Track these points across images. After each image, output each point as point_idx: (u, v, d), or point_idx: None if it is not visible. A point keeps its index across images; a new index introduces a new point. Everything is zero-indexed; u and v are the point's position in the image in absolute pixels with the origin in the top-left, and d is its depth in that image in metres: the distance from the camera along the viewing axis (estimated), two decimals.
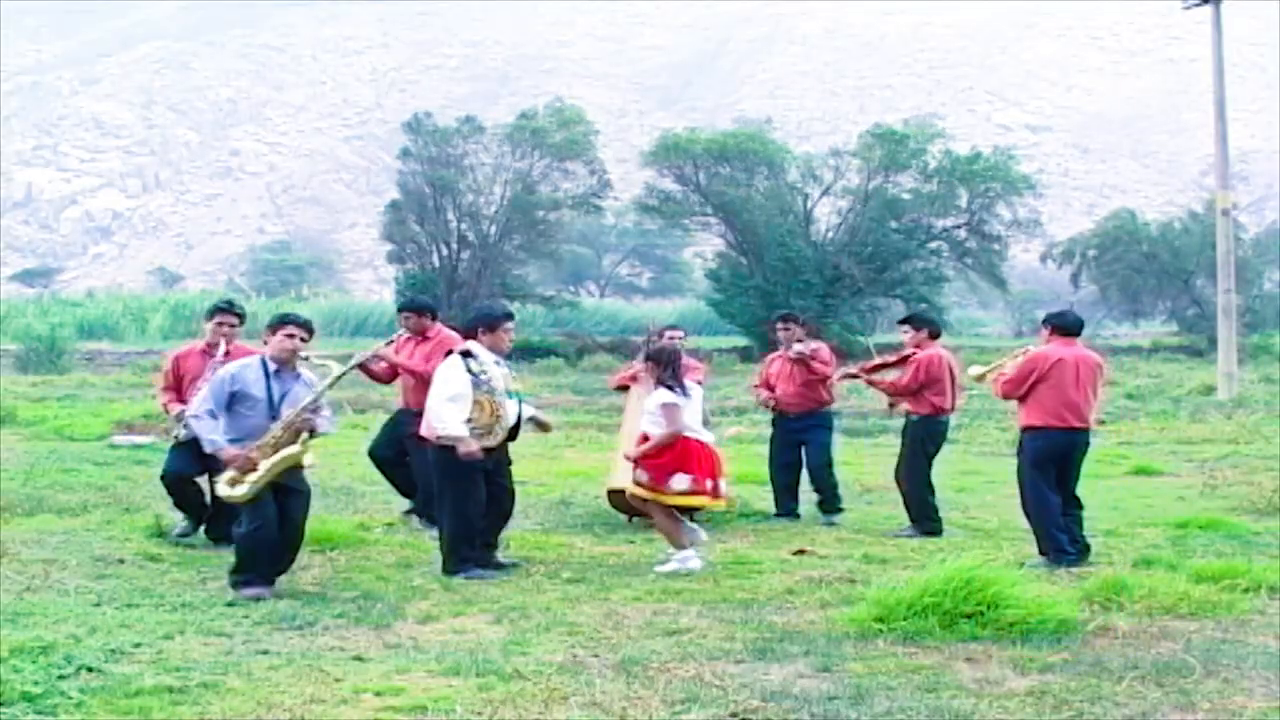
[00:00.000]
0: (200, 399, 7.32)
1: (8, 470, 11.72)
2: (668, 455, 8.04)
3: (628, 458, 8.35)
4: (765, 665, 5.51)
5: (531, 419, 8.27)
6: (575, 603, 6.88)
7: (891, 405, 10.26)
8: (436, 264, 38.51)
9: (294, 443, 7.09)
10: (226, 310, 8.74)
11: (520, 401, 8.08)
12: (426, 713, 4.78)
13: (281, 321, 7.46)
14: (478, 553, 7.77)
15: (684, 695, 4.97)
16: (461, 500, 7.72)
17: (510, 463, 8.16)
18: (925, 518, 9.51)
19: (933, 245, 39.18)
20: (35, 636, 5.59)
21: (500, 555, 8.02)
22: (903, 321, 10.23)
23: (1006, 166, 38.23)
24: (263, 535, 7.00)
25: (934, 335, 9.83)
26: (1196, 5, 26.33)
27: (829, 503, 10.18)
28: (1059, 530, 8.16)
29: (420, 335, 9.70)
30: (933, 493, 9.65)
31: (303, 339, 7.39)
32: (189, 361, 8.60)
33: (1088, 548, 8.28)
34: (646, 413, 8.22)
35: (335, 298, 61.55)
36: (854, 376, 10.25)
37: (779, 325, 10.49)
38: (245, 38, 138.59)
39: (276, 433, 7.09)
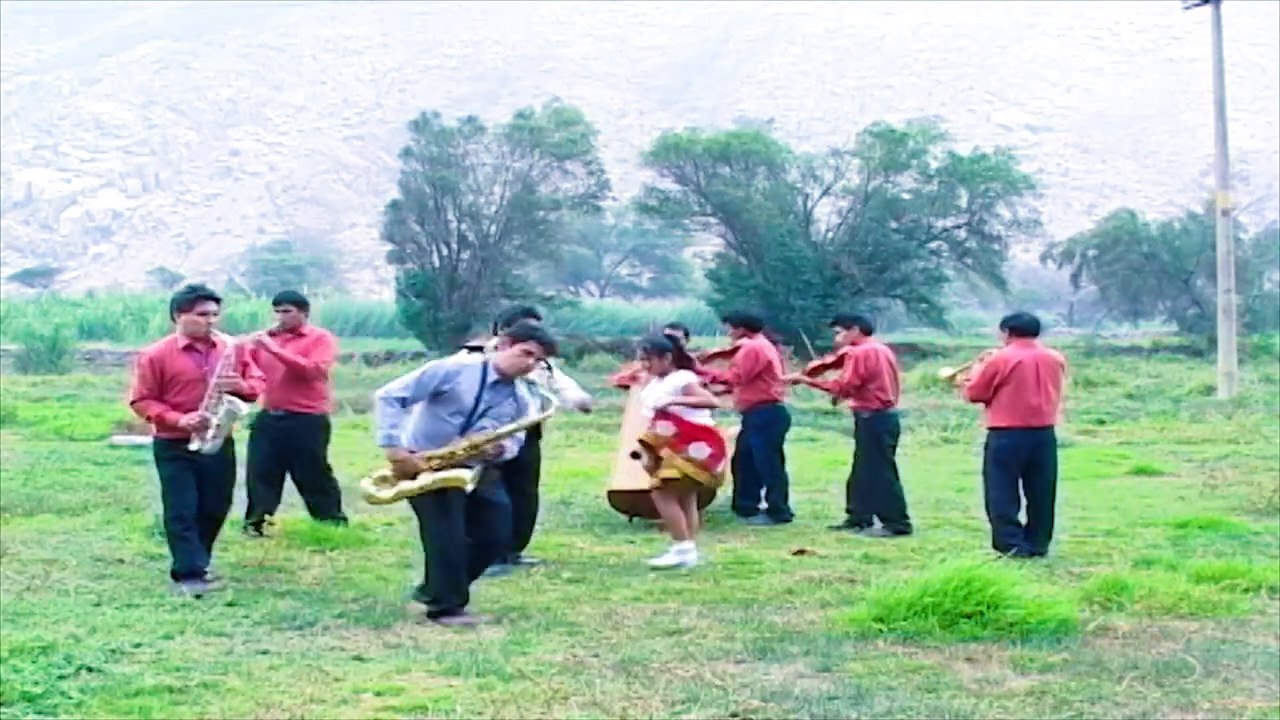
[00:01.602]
0: (400, 383, 6.55)
1: (8, 470, 11.72)
2: (691, 426, 8.20)
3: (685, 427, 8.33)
4: (765, 665, 5.51)
5: (579, 404, 8.67)
6: (575, 603, 6.88)
7: (835, 402, 10.48)
8: (436, 264, 38.52)
9: (467, 466, 6.46)
10: (208, 298, 7.50)
11: (543, 401, 8.13)
12: (426, 713, 4.78)
13: (528, 336, 6.78)
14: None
15: (684, 695, 4.97)
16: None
17: (539, 460, 8.34)
18: (897, 515, 9.48)
19: (933, 245, 39.17)
20: (35, 636, 5.59)
21: (524, 555, 8.12)
22: (833, 322, 10.44)
23: (1007, 166, 38.22)
24: (452, 556, 6.47)
25: (866, 332, 9.96)
26: (1196, 5, 26.32)
27: (739, 499, 10.04)
28: (1013, 528, 8.48)
29: (294, 331, 9.00)
30: (900, 488, 9.62)
31: (539, 358, 6.93)
32: (174, 362, 7.32)
33: (1035, 552, 8.40)
34: (664, 394, 8.23)
35: (335, 298, 61.53)
36: (797, 381, 10.36)
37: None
38: (245, 38, 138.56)
39: (461, 448, 6.50)
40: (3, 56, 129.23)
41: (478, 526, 6.57)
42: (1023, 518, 8.63)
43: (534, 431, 8.17)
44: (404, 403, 6.51)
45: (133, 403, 7.45)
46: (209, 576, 7.23)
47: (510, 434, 6.63)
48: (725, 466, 8.62)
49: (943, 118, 41.60)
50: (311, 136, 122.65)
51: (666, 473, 8.16)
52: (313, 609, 6.55)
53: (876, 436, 9.63)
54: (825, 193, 39.17)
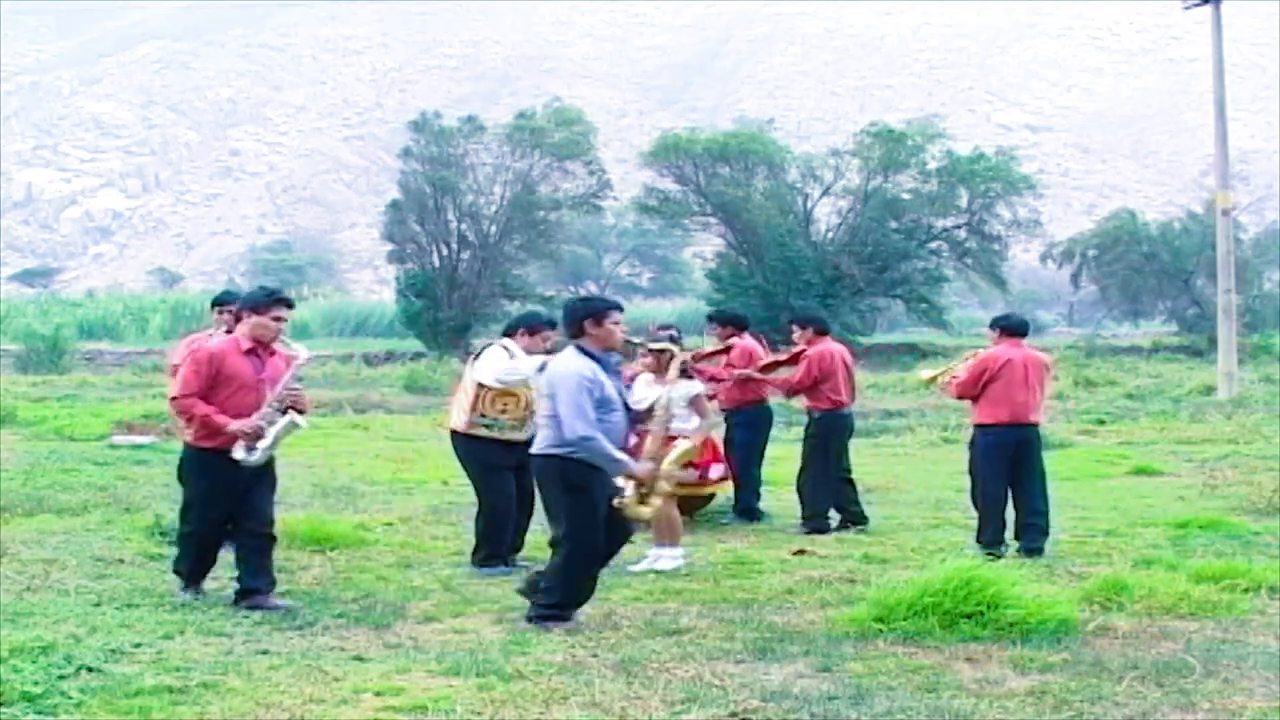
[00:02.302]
0: (574, 415, 6.15)
1: (8, 470, 11.72)
2: (703, 447, 8.21)
3: (695, 466, 8.31)
4: (765, 665, 5.51)
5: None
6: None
7: (788, 396, 10.52)
8: (437, 264, 38.54)
9: (662, 450, 6.38)
10: (284, 301, 6.88)
11: None
12: (426, 713, 4.78)
13: (606, 307, 6.57)
14: (505, 551, 7.95)
15: (684, 695, 4.96)
16: (498, 496, 7.85)
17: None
18: (816, 515, 9.50)
19: (933, 245, 39.20)
20: (35, 636, 5.58)
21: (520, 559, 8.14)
22: (791, 322, 10.54)
23: (1007, 166, 38.24)
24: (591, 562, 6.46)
25: (821, 332, 10.00)
26: (1196, 5, 26.33)
27: (738, 500, 9.96)
28: (999, 525, 8.63)
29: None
30: (834, 491, 9.64)
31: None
32: (233, 363, 6.68)
33: (1032, 550, 8.54)
34: (669, 406, 8.24)
35: (335, 298, 61.57)
36: (750, 378, 10.35)
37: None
38: (245, 38, 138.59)
39: (657, 440, 6.44)
40: (3, 56, 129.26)
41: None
42: (1008, 515, 8.77)
43: None
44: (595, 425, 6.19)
45: (176, 399, 6.77)
46: (277, 602, 6.63)
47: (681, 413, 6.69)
48: (723, 471, 8.59)
49: (942, 117, 41.64)
50: (311, 136, 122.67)
51: (701, 493, 8.25)
52: (313, 609, 6.56)
53: (824, 437, 9.71)
54: (825, 193, 39.20)
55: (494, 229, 38.73)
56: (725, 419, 10.09)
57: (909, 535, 9.35)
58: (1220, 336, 25.31)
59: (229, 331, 7.60)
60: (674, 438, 6.84)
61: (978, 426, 8.79)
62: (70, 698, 4.84)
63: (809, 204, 39.34)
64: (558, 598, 6.28)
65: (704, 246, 45.06)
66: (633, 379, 9.69)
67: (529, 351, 8.02)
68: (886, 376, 26.94)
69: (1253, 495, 10.73)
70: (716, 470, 8.38)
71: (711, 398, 9.45)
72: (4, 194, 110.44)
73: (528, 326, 8.19)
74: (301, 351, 6.92)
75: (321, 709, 4.80)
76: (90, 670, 5.22)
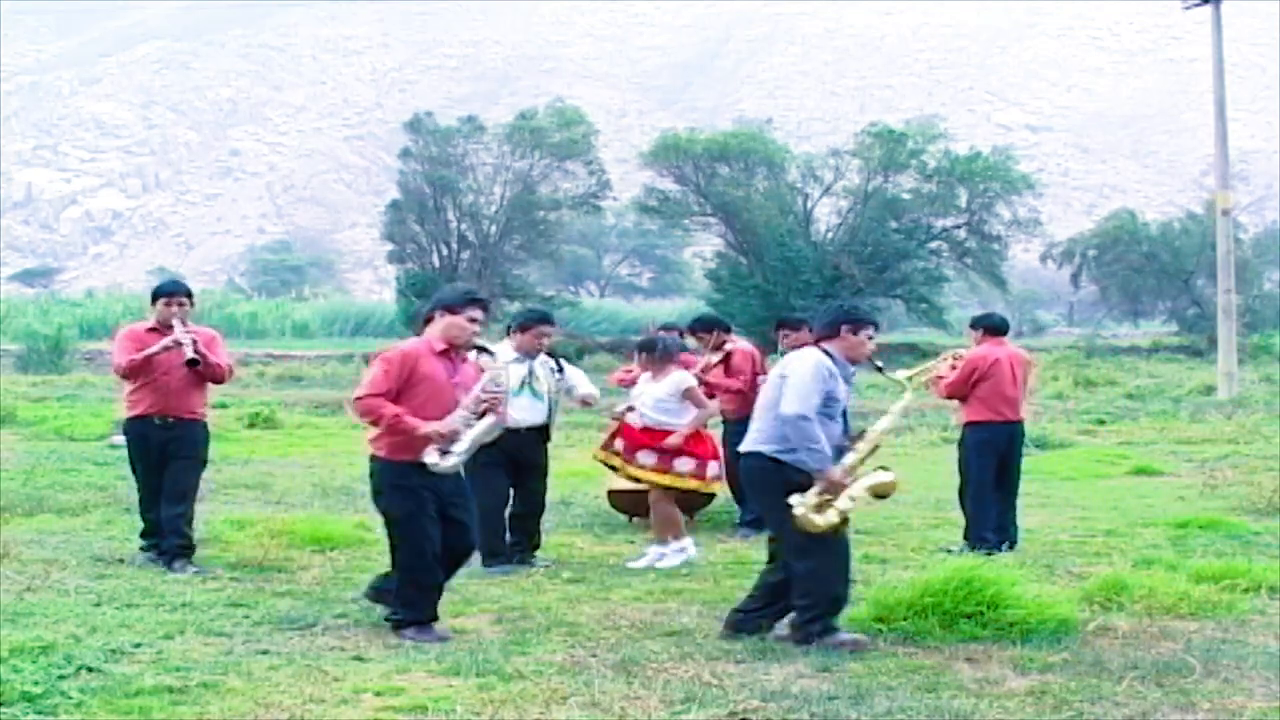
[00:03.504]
0: (800, 396, 5.84)
1: (8, 470, 11.72)
2: (671, 449, 8.17)
3: (665, 447, 8.25)
4: (765, 665, 5.51)
5: (584, 398, 8.59)
6: (575, 603, 6.87)
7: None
8: (437, 264, 38.57)
9: (863, 463, 5.99)
10: (480, 302, 6.62)
11: (551, 404, 8.23)
12: (426, 713, 4.78)
13: (863, 317, 6.24)
14: (505, 547, 7.93)
15: (684, 695, 4.96)
16: (485, 493, 7.71)
17: (544, 463, 8.30)
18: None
19: (933, 245, 39.22)
20: (35, 636, 5.58)
21: (538, 555, 8.16)
22: (778, 326, 10.32)
23: (1006, 166, 38.25)
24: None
25: (726, 333, 9.96)
26: (1196, 5, 26.34)
27: (746, 511, 9.44)
28: (987, 520, 8.72)
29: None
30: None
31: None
32: (427, 365, 6.31)
33: (1014, 541, 8.73)
34: (656, 400, 8.23)
35: (335, 298, 61.63)
36: (704, 382, 10.38)
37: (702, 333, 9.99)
38: (245, 38, 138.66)
39: (864, 447, 6.09)
40: (3, 56, 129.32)
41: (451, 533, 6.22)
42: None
43: (544, 432, 8.20)
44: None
45: (362, 398, 6.14)
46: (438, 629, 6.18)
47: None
48: (719, 470, 8.55)
49: (941, 117, 41.67)
50: (311, 136, 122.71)
51: (669, 485, 8.21)
52: (313, 609, 6.55)
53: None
54: (825, 193, 39.21)
55: (494, 229, 38.76)
56: (732, 429, 9.53)
57: (909, 535, 9.35)
58: (1220, 336, 25.31)
59: (162, 324, 7.62)
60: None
61: (969, 424, 8.91)
62: (70, 698, 4.83)
63: (809, 204, 39.35)
64: (818, 610, 5.86)
65: (704, 246, 45.09)
66: (633, 381, 9.70)
67: (522, 350, 8.02)
68: None
69: (1253, 495, 10.72)
70: (713, 468, 8.35)
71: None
72: (4, 194, 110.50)
73: (520, 324, 8.21)
74: (497, 354, 6.74)
75: (321, 709, 4.80)
76: (90, 670, 5.21)
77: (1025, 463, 9.49)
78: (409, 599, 6.08)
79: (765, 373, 9.99)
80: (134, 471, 7.94)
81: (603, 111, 78.77)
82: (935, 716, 4.76)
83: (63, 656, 5.32)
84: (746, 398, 9.59)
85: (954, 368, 9.01)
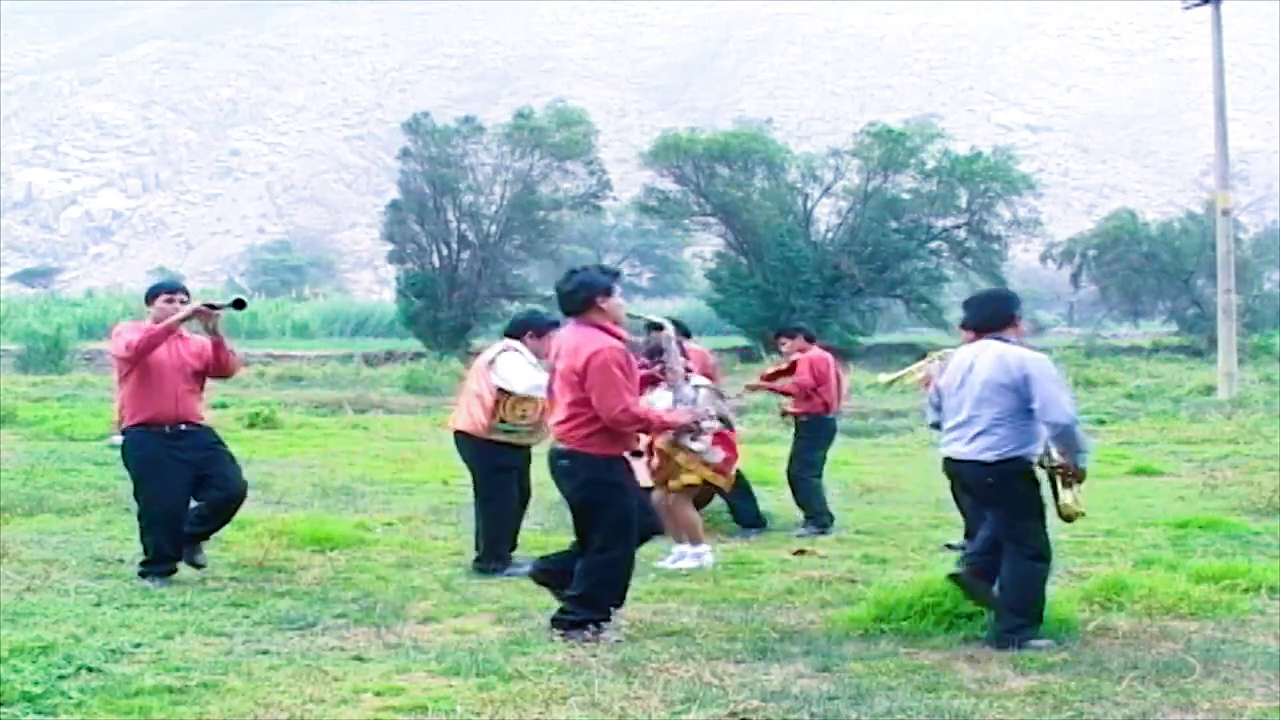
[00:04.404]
0: (1061, 393, 5.91)
1: (8, 470, 11.72)
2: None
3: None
4: (765, 665, 5.51)
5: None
6: None
7: (804, 396, 10.53)
8: (436, 264, 38.56)
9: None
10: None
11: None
12: (426, 713, 4.78)
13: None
14: (509, 552, 7.94)
15: (684, 695, 4.96)
16: (504, 499, 7.85)
17: (530, 460, 8.24)
18: (818, 514, 9.60)
19: (933, 245, 39.23)
20: (35, 636, 5.58)
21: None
22: (777, 335, 10.62)
23: (1006, 166, 38.26)
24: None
25: (809, 339, 10.08)
26: (1196, 5, 26.33)
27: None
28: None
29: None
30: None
31: None
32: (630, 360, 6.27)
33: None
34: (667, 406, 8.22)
35: (335, 298, 61.60)
36: (757, 388, 10.49)
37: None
38: (245, 38, 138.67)
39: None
40: (3, 56, 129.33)
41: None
42: None
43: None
44: None
45: (627, 410, 6.00)
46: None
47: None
48: (735, 468, 8.60)
49: (941, 117, 41.70)
50: (311, 136, 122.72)
51: (686, 479, 8.14)
52: (313, 609, 6.55)
53: (815, 440, 9.90)
54: (825, 193, 39.22)
55: (494, 229, 38.75)
56: (805, 428, 9.97)
57: (909, 535, 9.35)
58: (1220, 336, 25.30)
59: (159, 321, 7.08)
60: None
61: None
62: (70, 698, 4.83)
63: (809, 204, 39.36)
64: (1028, 615, 5.89)
65: (704, 246, 45.10)
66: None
67: (536, 354, 8.00)
68: None
69: (1253, 495, 10.72)
70: (715, 455, 8.36)
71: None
72: (4, 194, 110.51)
73: (535, 329, 8.05)
74: (667, 324, 6.86)
75: (321, 709, 4.80)
76: (90, 670, 5.21)
77: None
78: (596, 599, 6.03)
79: (826, 379, 9.85)
80: (137, 488, 7.23)
81: (603, 111, 78.76)
82: (935, 716, 4.76)
83: (63, 656, 5.32)
84: (810, 400, 9.85)
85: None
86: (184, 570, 7.36)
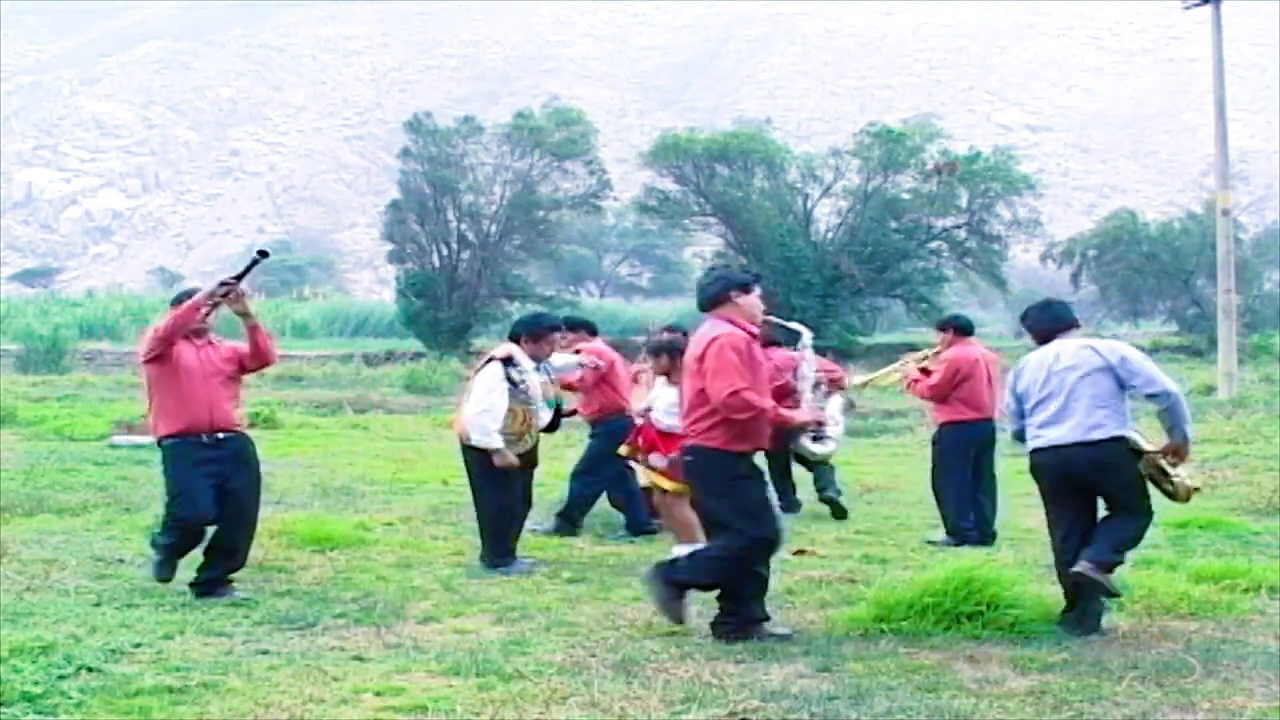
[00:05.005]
0: (1156, 369, 6.31)
1: (8, 470, 11.72)
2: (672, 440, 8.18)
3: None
4: (765, 665, 5.51)
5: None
6: (575, 603, 6.88)
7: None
8: (437, 264, 38.54)
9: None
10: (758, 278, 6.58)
11: (558, 406, 8.24)
12: (426, 713, 4.78)
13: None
14: (512, 549, 7.95)
15: (684, 695, 4.96)
16: (501, 495, 7.85)
17: (536, 464, 8.26)
18: (570, 520, 9.38)
19: (933, 245, 39.20)
20: (35, 636, 5.58)
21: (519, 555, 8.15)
22: (565, 324, 10.31)
23: (1006, 166, 38.24)
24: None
25: (592, 333, 9.91)
26: (1196, 5, 26.32)
27: (563, 513, 9.35)
28: (966, 513, 8.99)
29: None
30: (593, 501, 9.47)
31: None
32: (755, 352, 6.15)
33: (994, 534, 9.03)
34: (669, 404, 8.20)
35: (335, 298, 61.56)
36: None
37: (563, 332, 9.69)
38: (245, 38, 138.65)
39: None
40: (3, 56, 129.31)
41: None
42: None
43: (548, 430, 8.23)
44: None
45: (736, 393, 5.80)
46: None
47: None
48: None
49: (941, 117, 41.67)
50: (311, 136, 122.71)
51: (674, 486, 8.20)
52: (313, 609, 6.55)
53: (604, 439, 9.72)
54: (825, 193, 39.19)
55: (494, 229, 38.73)
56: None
57: (909, 535, 9.35)
58: (1220, 336, 25.29)
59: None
60: None
61: (947, 424, 9.11)
62: (70, 698, 4.84)
63: (809, 204, 39.33)
64: (1119, 553, 6.19)
65: (704, 246, 45.06)
66: (635, 379, 9.67)
67: (534, 358, 8.00)
68: None
69: (1253, 495, 10.73)
70: None
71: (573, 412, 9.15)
72: (4, 194, 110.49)
73: (530, 333, 8.07)
74: (804, 331, 6.71)
75: (321, 709, 4.80)
76: (90, 670, 5.21)
77: (1026, 463, 9.48)
78: (740, 591, 5.98)
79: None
80: (177, 500, 6.88)
81: (603, 111, 78.77)
82: (935, 716, 4.76)
83: (63, 656, 5.32)
84: (604, 400, 9.45)
85: (924, 369, 9.24)
86: (184, 570, 7.37)
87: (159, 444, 6.99)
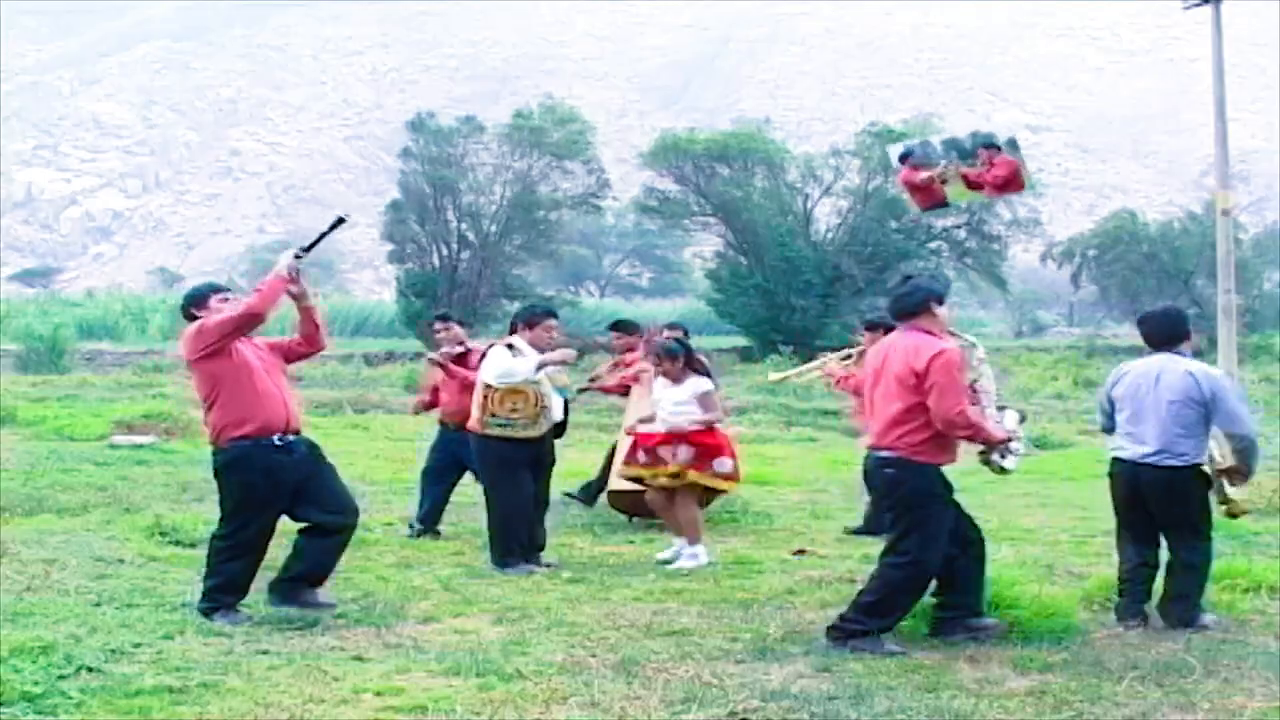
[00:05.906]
0: (1244, 408, 6.55)
1: (8, 470, 11.71)
2: (713, 437, 8.24)
3: (701, 443, 8.25)
4: (765, 665, 5.51)
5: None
6: (575, 603, 6.87)
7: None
8: (437, 264, 38.52)
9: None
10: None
11: (566, 400, 8.25)
12: (426, 713, 4.78)
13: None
14: (526, 548, 7.93)
15: (684, 695, 4.96)
16: (512, 495, 7.83)
17: (554, 463, 8.28)
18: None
19: (933, 245, 39.20)
20: (35, 636, 5.57)
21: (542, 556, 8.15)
22: (612, 328, 10.81)
23: None
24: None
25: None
26: (1196, 5, 26.25)
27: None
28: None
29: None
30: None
31: None
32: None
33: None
34: (675, 403, 8.21)
35: (335, 298, 61.53)
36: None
37: (437, 325, 9.84)
38: (245, 38, 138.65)
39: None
40: (3, 56, 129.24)
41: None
42: None
43: (559, 428, 8.24)
44: None
45: (963, 412, 5.84)
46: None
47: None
48: (731, 467, 8.62)
49: (941, 117, 41.63)
50: (311, 136, 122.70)
51: (704, 484, 8.27)
52: (313, 609, 6.54)
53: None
54: (825, 193, 39.18)
55: (494, 229, 38.71)
56: (457, 437, 8.94)
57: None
58: (1220, 336, 25.20)
59: None
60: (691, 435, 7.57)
61: None
62: (70, 698, 4.83)
63: (809, 204, 39.32)
64: (1197, 602, 6.41)
65: (704, 246, 45.07)
66: (635, 379, 9.67)
67: (536, 345, 8.03)
68: None
69: (1253, 495, 10.71)
70: (725, 464, 8.35)
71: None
72: (4, 194, 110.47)
73: (525, 320, 8.17)
74: (978, 344, 6.62)
75: (321, 709, 4.80)
76: (90, 670, 5.21)
77: (1026, 463, 9.48)
78: (888, 608, 5.89)
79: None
80: (234, 511, 6.39)
81: (603, 111, 78.81)
82: (935, 716, 4.76)
83: (63, 656, 5.32)
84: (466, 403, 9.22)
85: (845, 366, 9.38)
86: (184, 571, 7.37)
87: (223, 449, 6.33)
